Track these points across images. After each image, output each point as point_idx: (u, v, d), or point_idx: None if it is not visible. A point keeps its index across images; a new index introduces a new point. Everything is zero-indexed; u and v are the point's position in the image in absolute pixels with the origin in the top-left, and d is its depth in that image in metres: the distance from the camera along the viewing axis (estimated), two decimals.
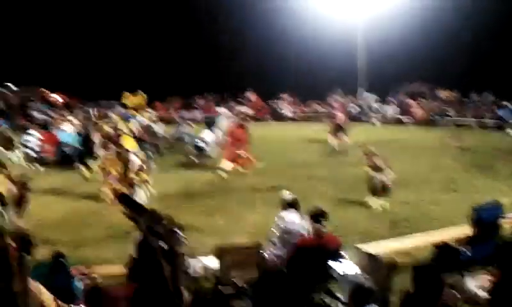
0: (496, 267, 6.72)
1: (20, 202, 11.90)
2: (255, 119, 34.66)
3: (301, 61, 43.98)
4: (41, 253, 10.58)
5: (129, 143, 16.27)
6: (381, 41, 39.92)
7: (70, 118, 26.88)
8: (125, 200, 4.99)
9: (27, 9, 47.75)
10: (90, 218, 13.71)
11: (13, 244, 4.33)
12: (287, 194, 9.30)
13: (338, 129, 25.00)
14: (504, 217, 9.21)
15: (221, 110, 26.08)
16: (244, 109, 21.73)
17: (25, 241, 5.32)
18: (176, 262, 4.55)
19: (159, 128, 26.16)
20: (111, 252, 10.75)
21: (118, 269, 8.43)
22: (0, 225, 4.62)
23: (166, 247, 4.45)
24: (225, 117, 21.49)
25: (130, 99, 28.25)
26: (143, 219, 4.69)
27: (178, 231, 5.12)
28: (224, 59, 47.38)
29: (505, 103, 32.37)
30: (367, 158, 14.50)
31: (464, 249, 8.63)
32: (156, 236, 4.47)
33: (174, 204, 14.97)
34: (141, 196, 14.83)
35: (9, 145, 20.97)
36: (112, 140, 16.19)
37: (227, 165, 19.15)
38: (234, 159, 19.30)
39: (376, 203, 13.89)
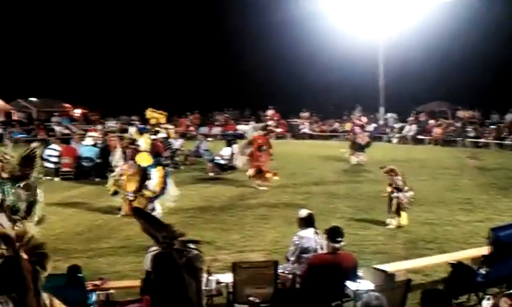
0: None
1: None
2: (275, 136, 34.72)
3: (321, 79, 44.06)
4: (57, 265, 10.73)
5: (145, 158, 16.31)
6: (401, 60, 39.96)
7: (91, 132, 27.01)
8: (140, 214, 4.99)
9: (53, 24, 48.24)
10: (106, 231, 13.77)
11: (26, 255, 4.36)
12: (304, 212, 9.28)
13: (357, 147, 25.07)
14: None
15: (251, 123, 26.23)
16: (270, 122, 21.96)
17: (39, 253, 5.34)
18: (199, 278, 4.55)
19: (177, 144, 26.25)
20: (126, 265, 10.79)
21: (132, 283, 8.47)
22: (11, 233, 4.58)
23: (188, 262, 4.44)
24: (254, 129, 21.51)
25: (152, 115, 28.37)
26: (160, 234, 4.68)
27: (194, 246, 5.12)
28: (245, 75, 47.52)
29: None
30: (388, 177, 14.37)
31: (480, 270, 8.56)
32: (177, 251, 4.47)
33: (191, 219, 15.04)
34: (158, 211, 14.91)
35: None
36: (130, 155, 16.19)
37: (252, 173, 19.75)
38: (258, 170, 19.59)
39: (395, 222, 13.79)
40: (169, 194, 15.72)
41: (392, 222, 13.79)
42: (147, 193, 15.35)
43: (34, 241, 4.45)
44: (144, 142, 16.34)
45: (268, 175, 19.71)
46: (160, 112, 28.15)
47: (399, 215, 13.80)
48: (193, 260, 4.53)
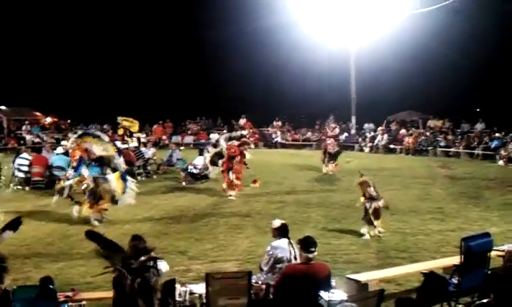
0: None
1: None
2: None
3: (294, 88, 44.26)
4: (29, 276, 10.62)
5: None
6: (373, 69, 40.26)
7: (63, 141, 26.75)
8: (94, 237, 4.91)
9: (23, 32, 47.80)
10: (78, 241, 13.59)
11: None
12: (278, 222, 9.28)
13: (328, 156, 25.23)
14: (493, 249, 9.21)
15: (223, 132, 26.14)
16: (245, 132, 21.97)
17: None
18: (153, 297, 4.51)
19: (149, 153, 26.11)
20: (97, 277, 10.67)
21: (105, 294, 8.39)
22: None
23: (143, 282, 4.39)
24: (225, 139, 21.44)
25: (123, 123, 28.27)
26: (116, 256, 4.63)
27: (155, 262, 5.06)
28: (218, 84, 47.55)
29: (497, 134, 32.52)
30: (360, 188, 14.47)
31: (452, 279, 8.63)
32: (131, 272, 4.42)
33: (163, 229, 14.96)
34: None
35: None
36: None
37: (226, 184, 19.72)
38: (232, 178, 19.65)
39: (369, 231, 13.86)
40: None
41: (368, 231, 13.85)
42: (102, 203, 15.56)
43: None
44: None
45: (238, 183, 19.75)
46: (131, 120, 28.08)
47: (371, 224, 13.88)
48: (149, 278, 4.48)
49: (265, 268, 8.88)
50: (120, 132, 28.43)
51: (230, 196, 19.40)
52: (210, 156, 21.59)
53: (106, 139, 17.01)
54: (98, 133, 18.00)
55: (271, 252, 8.88)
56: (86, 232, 4.90)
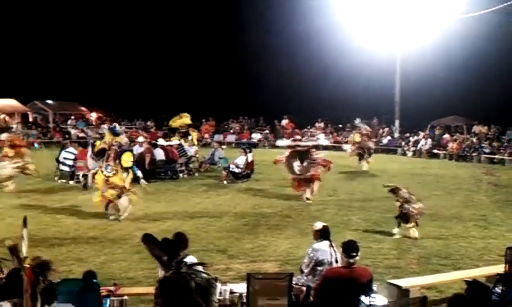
0: None
1: None
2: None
3: (338, 91, 44.05)
4: (71, 269, 10.78)
5: (127, 158, 16.40)
6: (418, 74, 39.87)
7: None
8: (149, 239, 4.93)
9: (73, 29, 48.54)
10: (119, 236, 13.78)
11: (29, 266, 4.49)
12: (320, 224, 9.25)
13: (360, 154, 27.03)
14: None
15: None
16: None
17: (43, 265, 5.42)
18: (212, 302, 4.50)
19: (192, 150, 26.25)
20: (139, 272, 10.79)
21: (146, 290, 8.48)
22: (19, 247, 4.69)
23: (198, 286, 4.38)
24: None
25: (176, 121, 28.26)
26: (167, 257, 4.64)
27: (202, 268, 5.07)
28: (261, 84, 47.57)
29: None
30: (393, 194, 14.45)
31: (496, 288, 8.49)
32: (186, 275, 4.42)
33: (203, 227, 15.02)
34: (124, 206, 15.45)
35: None
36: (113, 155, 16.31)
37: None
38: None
39: (403, 233, 13.83)
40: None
41: (401, 233, 13.87)
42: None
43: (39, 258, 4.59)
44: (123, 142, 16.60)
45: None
46: (183, 115, 27.97)
47: (410, 227, 13.86)
48: (203, 284, 4.47)
49: (306, 271, 8.86)
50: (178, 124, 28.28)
51: (308, 199, 19.09)
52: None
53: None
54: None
55: (312, 255, 8.86)
56: (143, 236, 4.94)
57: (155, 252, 4.76)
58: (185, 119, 27.77)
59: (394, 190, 14.46)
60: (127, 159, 16.24)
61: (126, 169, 16.07)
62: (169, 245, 4.74)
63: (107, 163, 16.08)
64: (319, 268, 8.65)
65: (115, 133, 17.24)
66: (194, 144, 27.37)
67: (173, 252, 4.65)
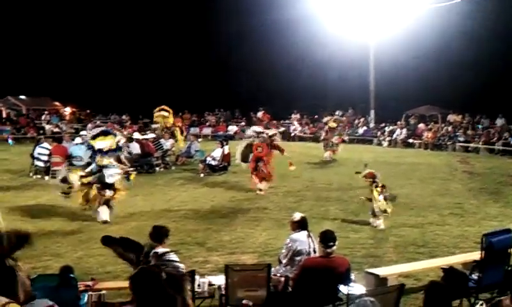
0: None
1: None
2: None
3: (312, 81, 44.14)
4: (48, 264, 10.70)
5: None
6: (392, 63, 40.04)
7: (82, 131, 26.85)
8: (110, 241, 4.86)
9: (44, 23, 48.07)
10: (96, 231, 13.68)
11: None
12: (298, 215, 9.28)
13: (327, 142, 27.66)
14: None
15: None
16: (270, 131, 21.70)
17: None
18: (185, 291, 4.44)
19: (168, 144, 26.13)
20: (117, 266, 10.72)
21: (124, 283, 8.43)
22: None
23: (170, 277, 4.32)
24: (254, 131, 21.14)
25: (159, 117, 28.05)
26: (134, 254, 4.58)
27: (174, 255, 5.03)
28: (236, 77, 47.51)
29: None
30: (366, 181, 14.58)
31: (472, 275, 8.58)
32: (155, 267, 4.37)
33: (181, 220, 15.00)
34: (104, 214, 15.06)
35: None
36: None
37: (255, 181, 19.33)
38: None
39: (378, 223, 13.95)
40: None
41: (379, 222, 13.96)
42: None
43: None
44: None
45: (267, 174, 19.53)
46: (165, 110, 27.67)
47: (382, 215, 14.04)
48: (175, 274, 4.43)
49: (284, 261, 8.89)
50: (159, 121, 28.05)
51: (260, 190, 19.07)
52: (241, 149, 20.59)
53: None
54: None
55: (290, 245, 8.88)
56: (102, 238, 4.86)
57: (118, 251, 4.70)
58: (169, 118, 27.64)
59: (369, 176, 14.54)
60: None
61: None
62: (131, 243, 4.67)
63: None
64: (297, 258, 8.68)
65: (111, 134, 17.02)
66: (176, 140, 27.12)
67: (137, 248, 4.60)
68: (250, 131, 21.91)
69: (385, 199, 14.16)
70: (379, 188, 14.21)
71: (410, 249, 12.21)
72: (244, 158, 20.11)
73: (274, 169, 19.94)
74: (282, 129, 23.80)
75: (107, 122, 40.73)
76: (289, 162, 20.46)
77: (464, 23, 37.97)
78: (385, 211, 14.11)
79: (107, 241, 4.84)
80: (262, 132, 20.15)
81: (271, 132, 20.51)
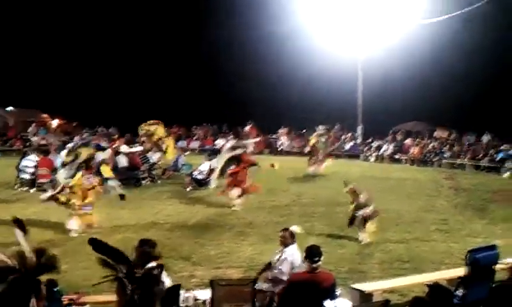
0: None
1: None
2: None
3: (300, 96, 44.24)
4: None
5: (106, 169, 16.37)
6: (380, 79, 40.20)
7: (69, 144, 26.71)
8: (97, 245, 4.81)
9: (31, 35, 47.94)
10: (81, 244, 13.58)
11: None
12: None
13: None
14: (499, 262, 9.19)
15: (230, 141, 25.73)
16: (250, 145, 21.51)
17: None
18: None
19: (155, 157, 26.05)
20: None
21: (109, 298, 8.39)
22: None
23: (140, 294, 4.33)
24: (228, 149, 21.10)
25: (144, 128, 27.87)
26: (121, 266, 4.57)
27: (161, 271, 5.03)
28: (224, 90, 47.52)
29: (503, 147, 32.39)
30: (350, 195, 14.66)
31: (457, 291, 8.60)
32: (133, 281, 4.37)
33: (167, 234, 14.97)
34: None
35: None
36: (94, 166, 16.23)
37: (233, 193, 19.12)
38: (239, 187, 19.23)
39: (366, 235, 14.04)
40: None
41: (364, 236, 14.02)
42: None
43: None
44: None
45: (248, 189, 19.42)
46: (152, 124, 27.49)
47: (364, 229, 14.11)
48: (152, 287, 4.44)
49: (285, 278, 8.84)
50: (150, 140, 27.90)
51: (234, 206, 18.93)
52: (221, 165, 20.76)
53: None
54: None
55: (291, 259, 8.94)
56: (89, 240, 4.79)
57: (105, 259, 4.66)
58: (159, 129, 27.45)
59: (352, 191, 14.66)
60: (107, 170, 16.22)
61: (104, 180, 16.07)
62: (121, 255, 4.65)
63: (87, 174, 15.88)
64: (291, 271, 8.74)
65: (101, 149, 17.13)
66: (166, 152, 26.93)
67: (128, 261, 4.58)
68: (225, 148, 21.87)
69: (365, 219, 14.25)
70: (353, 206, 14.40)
71: (395, 264, 12.25)
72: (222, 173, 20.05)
73: (259, 187, 19.93)
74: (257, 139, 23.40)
75: (95, 134, 40.62)
76: (271, 164, 20.46)
77: (453, 39, 38.22)
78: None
79: (96, 246, 4.80)
80: (236, 148, 20.21)
81: (240, 150, 20.42)
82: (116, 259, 4.58)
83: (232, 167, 19.32)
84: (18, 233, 5.39)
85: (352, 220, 14.40)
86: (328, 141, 29.05)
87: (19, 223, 5.51)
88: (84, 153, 16.89)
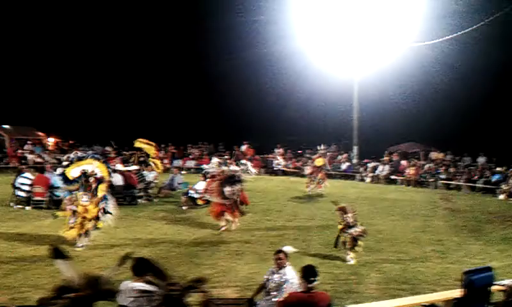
0: None
1: None
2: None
3: (297, 116, 44.42)
4: (28, 296, 10.58)
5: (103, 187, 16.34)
6: (376, 100, 40.39)
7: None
8: (147, 265, 4.91)
9: (27, 52, 48.04)
10: (78, 263, 13.54)
11: None
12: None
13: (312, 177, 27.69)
14: (494, 283, 9.18)
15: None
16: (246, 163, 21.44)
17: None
18: None
19: (151, 176, 26.06)
20: None
21: None
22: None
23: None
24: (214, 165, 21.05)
25: (141, 145, 27.86)
26: (164, 282, 4.68)
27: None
28: (221, 110, 47.66)
29: (498, 169, 32.53)
30: (338, 214, 14.68)
31: None
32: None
33: (163, 253, 14.91)
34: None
35: None
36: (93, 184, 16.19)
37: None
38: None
39: (348, 257, 14.07)
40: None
41: (351, 256, 14.05)
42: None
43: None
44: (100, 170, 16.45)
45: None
46: (149, 142, 27.61)
47: (352, 250, 14.11)
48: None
49: (269, 295, 8.86)
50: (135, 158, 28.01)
51: (223, 227, 18.64)
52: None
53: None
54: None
55: (294, 280, 8.93)
56: (52, 249, 4.85)
57: (151, 277, 4.77)
58: (151, 149, 27.44)
59: (341, 210, 14.69)
60: (103, 188, 16.21)
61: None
62: (161, 272, 4.78)
63: (85, 192, 15.88)
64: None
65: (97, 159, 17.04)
66: (155, 170, 26.97)
67: (168, 278, 4.73)
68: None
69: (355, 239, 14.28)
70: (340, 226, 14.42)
71: (392, 285, 12.23)
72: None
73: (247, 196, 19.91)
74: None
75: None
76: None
77: (448, 61, 38.43)
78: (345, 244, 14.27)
79: (144, 264, 4.91)
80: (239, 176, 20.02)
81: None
82: (160, 276, 4.72)
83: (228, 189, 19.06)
84: (60, 262, 5.36)
85: (337, 241, 14.44)
86: (326, 161, 29.14)
87: (58, 252, 5.49)
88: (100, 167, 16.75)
